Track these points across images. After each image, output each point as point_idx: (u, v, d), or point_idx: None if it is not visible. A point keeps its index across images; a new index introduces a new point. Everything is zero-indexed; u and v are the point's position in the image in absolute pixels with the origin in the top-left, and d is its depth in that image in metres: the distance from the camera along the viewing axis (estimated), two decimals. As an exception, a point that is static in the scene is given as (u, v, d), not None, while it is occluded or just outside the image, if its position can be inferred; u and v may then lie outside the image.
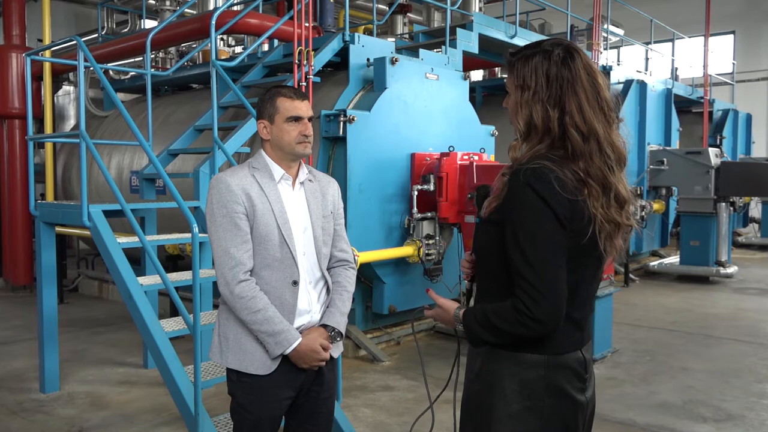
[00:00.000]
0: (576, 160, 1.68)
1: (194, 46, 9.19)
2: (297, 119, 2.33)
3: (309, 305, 2.36)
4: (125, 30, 11.30)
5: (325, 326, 2.37)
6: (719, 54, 16.44)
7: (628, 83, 10.49)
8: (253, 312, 2.22)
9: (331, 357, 2.44)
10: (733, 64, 16.48)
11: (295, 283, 2.31)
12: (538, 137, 1.72)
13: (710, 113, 13.09)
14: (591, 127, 1.68)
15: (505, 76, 11.83)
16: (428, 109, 6.58)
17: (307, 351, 2.27)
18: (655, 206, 10.32)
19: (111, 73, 9.52)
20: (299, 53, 5.74)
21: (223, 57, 8.65)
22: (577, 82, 1.69)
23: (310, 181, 2.45)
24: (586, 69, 1.71)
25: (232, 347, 2.31)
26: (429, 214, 6.08)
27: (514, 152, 1.78)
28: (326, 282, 2.44)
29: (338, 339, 2.39)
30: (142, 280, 4.36)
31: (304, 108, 2.36)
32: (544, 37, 1.89)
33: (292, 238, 2.31)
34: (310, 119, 2.38)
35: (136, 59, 9.74)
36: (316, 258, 2.39)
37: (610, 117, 1.72)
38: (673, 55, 13.37)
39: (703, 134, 12.52)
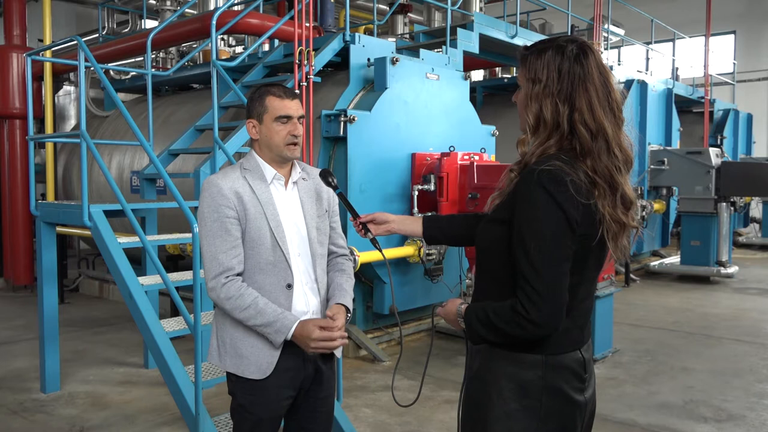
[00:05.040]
0: (584, 158, 1.67)
1: (195, 46, 9.19)
2: (286, 119, 2.30)
3: (306, 306, 2.34)
4: (126, 30, 11.30)
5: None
6: (720, 54, 16.43)
7: (628, 83, 10.49)
8: (243, 309, 2.19)
9: (331, 355, 2.43)
10: (734, 64, 16.47)
11: (289, 286, 2.29)
12: (547, 132, 1.71)
13: (711, 113, 13.08)
14: (600, 125, 1.67)
15: (506, 76, 11.80)
16: (429, 109, 6.58)
17: (302, 332, 2.18)
18: (656, 206, 10.32)
19: (112, 73, 9.52)
20: (300, 53, 5.75)
21: (223, 57, 8.65)
22: (589, 80, 1.68)
23: (303, 179, 2.41)
24: (599, 68, 1.70)
25: (229, 351, 2.29)
26: (429, 214, 6.08)
27: (523, 146, 1.77)
28: (323, 282, 2.42)
29: (348, 315, 2.34)
30: (142, 279, 4.36)
31: (293, 107, 2.32)
32: (545, 37, 1.87)
33: (285, 241, 2.28)
34: (301, 118, 2.34)
35: (137, 59, 9.74)
36: (311, 259, 2.36)
37: (619, 118, 1.72)
38: (673, 55, 13.36)
39: (704, 134, 12.51)
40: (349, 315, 2.35)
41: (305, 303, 2.34)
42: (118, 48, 8.57)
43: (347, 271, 2.50)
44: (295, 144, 2.31)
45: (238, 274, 2.24)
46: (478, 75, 12.57)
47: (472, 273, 6.03)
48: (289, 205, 2.35)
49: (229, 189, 2.24)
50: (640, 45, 12.95)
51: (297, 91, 5.49)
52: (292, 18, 6.04)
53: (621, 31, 13.09)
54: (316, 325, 2.19)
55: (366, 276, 6.12)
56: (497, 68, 12.27)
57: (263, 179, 2.31)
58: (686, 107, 13.72)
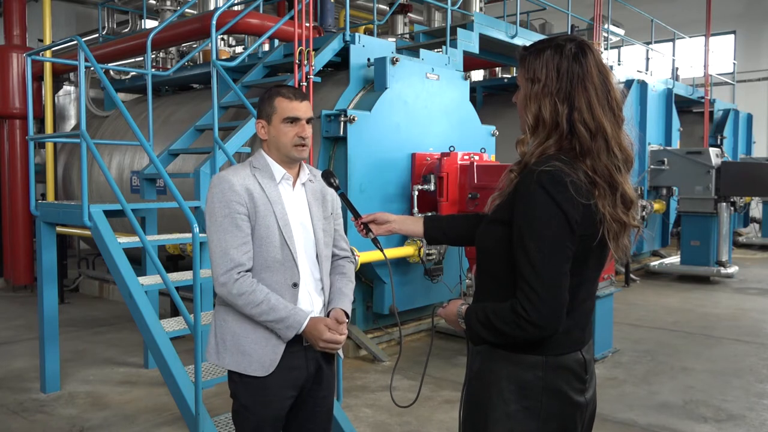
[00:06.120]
0: (584, 157, 1.66)
1: (195, 46, 9.19)
2: (294, 120, 2.30)
3: (311, 306, 2.35)
4: (126, 30, 11.30)
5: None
6: (720, 54, 16.43)
7: (628, 83, 10.49)
8: (256, 305, 2.20)
9: (333, 355, 2.43)
10: (734, 64, 16.47)
11: (295, 285, 2.30)
12: (546, 132, 1.70)
13: (711, 113, 13.08)
14: (599, 124, 1.66)
15: (506, 76, 11.79)
16: (429, 109, 6.58)
17: (312, 331, 2.25)
18: (656, 206, 10.32)
19: (112, 73, 9.52)
20: (300, 53, 5.75)
21: (223, 57, 8.65)
22: (588, 79, 1.67)
23: (311, 181, 2.43)
24: (598, 66, 1.69)
25: (230, 349, 2.29)
26: (430, 214, 6.08)
27: (523, 146, 1.76)
28: (327, 283, 2.43)
29: (347, 319, 2.38)
30: (142, 279, 4.36)
31: (302, 109, 2.32)
32: (545, 37, 1.86)
33: (293, 240, 2.30)
34: (309, 120, 2.35)
35: (137, 59, 9.74)
36: (316, 260, 2.38)
37: (619, 117, 1.71)
38: (673, 55, 13.36)
39: (704, 134, 12.52)
40: (347, 320, 2.38)
41: (310, 303, 2.35)
42: (118, 48, 8.57)
43: (348, 275, 2.52)
44: (302, 145, 2.32)
45: (248, 270, 2.25)
46: (478, 75, 12.57)
47: (472, 273, 6.03)
48: (296, 205, 2.36)
49: (241, 185, 2.25)
50: (640, 45, 12.95)
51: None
52: (292, 18, 6.04)
53: (621, 31, 13.09)
54: (326, 325, 2.25)
55: (366, 276, 6.12)
56: (497, 68, 12.27)
57: (272, 178, 2.33)
58: (686, 107, 13.72)
